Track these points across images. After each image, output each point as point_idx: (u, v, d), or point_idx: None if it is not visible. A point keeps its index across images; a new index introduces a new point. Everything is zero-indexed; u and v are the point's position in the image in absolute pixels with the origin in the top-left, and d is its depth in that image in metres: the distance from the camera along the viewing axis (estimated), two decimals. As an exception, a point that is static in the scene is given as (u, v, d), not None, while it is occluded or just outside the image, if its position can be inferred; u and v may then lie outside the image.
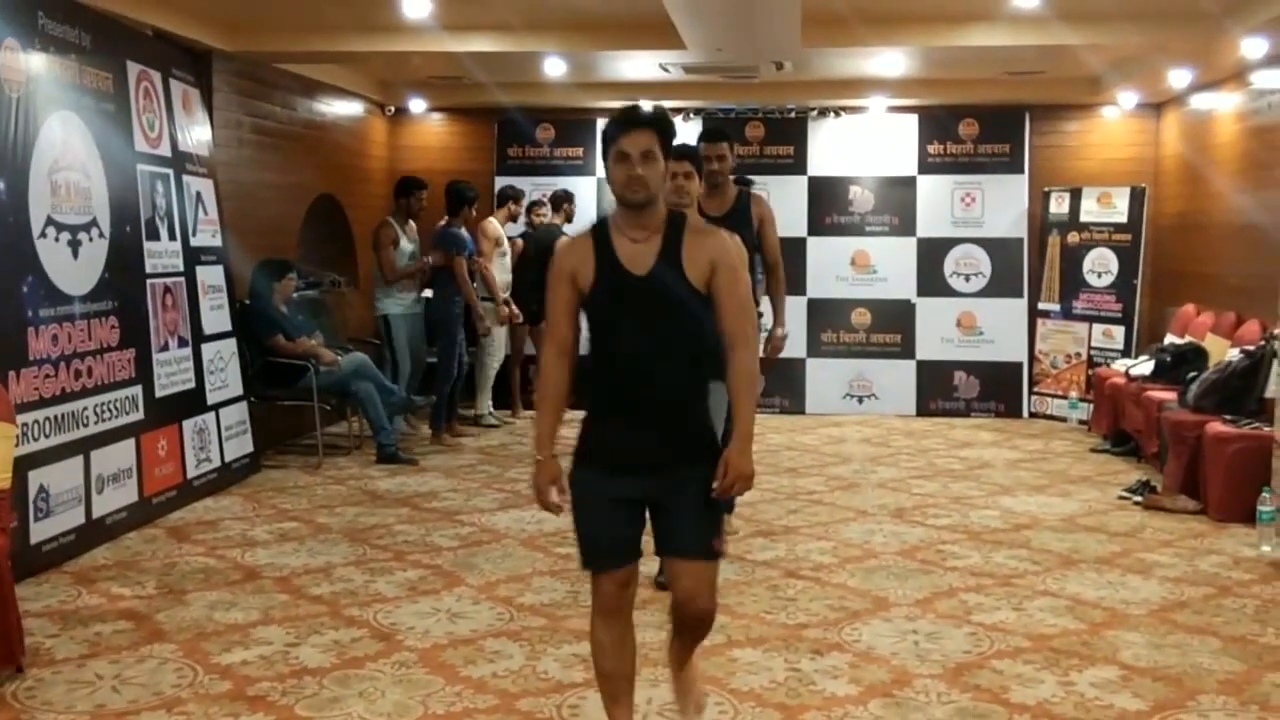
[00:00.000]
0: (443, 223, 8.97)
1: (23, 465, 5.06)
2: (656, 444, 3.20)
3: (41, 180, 5.64)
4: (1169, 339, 9.17)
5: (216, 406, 7.39)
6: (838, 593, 5.29)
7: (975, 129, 10.69)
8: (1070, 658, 4.47)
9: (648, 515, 3.28)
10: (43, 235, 5.64)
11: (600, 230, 3.30)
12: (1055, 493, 7.47)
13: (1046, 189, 10.61)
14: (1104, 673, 4.31)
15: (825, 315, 10.79)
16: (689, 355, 3.23)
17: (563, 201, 10.05)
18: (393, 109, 11.24)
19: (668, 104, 10.62)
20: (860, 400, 10.75)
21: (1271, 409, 6.51)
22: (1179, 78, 9.11)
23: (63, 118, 5.90)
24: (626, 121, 3.21)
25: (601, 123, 10.33)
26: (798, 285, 10.66)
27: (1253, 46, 7.36)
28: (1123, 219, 10.12)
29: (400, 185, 9.21)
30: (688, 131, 10.79)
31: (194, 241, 7.32)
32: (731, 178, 5.98)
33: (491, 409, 9.80)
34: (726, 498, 3.26)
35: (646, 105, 3.33)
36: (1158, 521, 6.68)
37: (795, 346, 10.58)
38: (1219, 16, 6.91)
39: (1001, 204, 10.66)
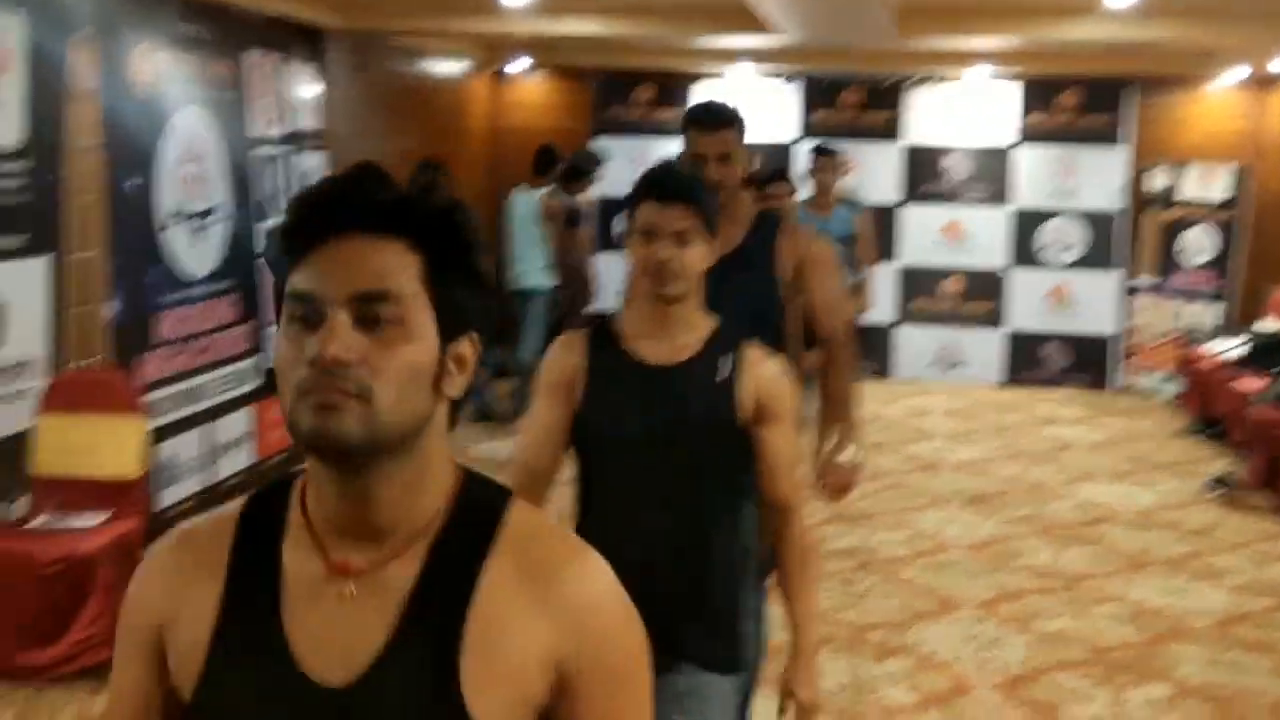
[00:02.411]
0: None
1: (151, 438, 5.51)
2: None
3: (169, 174, 6.01)
4: (1266, 320, 9.13)
5: (325, 371, 7.78)
6: (907, 590, 5.53)
7: (1075, 99, 10.59)
8: (1126, 672, 4.67)
9: None
10: (167, 226, 6.03)
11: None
12: (1135, 481, 7.57)
13: (1146, 163, 10.50)
14: (1156, 690, 4.51)
15: (916, 282, 10.87)
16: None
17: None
18: (495, 68, 11.46)
19: (764, 68, 10.73)
20: (949, 368, 10.85)
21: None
22: (1287, 58, 8.96)
23: (188, 112, 6.25)
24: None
25: (699, 87, 10.82)
26: (889, 251, 10.74)
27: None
28: (1223, 196, 10.00)
29: (547, 155, 8.99)
30: (785, 95, 10.94)
31: (305, 216, 7.66)
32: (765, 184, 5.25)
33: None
34: None
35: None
36: (1233, 519, 6.77)
37: (884, 312, 10.71)
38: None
39: (1099, 176, 10.57)
